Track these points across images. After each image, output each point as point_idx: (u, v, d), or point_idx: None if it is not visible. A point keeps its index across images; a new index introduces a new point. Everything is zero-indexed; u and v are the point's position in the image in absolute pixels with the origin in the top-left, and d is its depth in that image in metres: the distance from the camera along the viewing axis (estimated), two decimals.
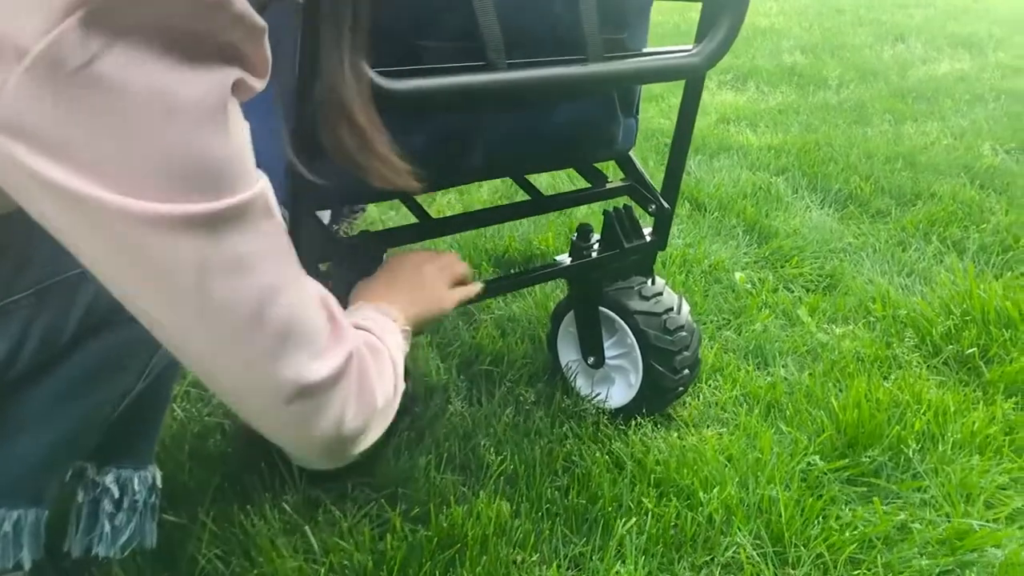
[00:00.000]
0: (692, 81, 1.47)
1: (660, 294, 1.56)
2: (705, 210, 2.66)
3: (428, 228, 1.32)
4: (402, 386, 0.82)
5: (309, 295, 0.66)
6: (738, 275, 2.18)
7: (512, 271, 2.07)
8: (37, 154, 0.49)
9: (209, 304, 0.57)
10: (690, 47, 1.32)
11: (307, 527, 1.19)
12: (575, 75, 1.19)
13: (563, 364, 1.67)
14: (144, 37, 0.50)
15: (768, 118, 3.87)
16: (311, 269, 1.12)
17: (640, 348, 1.53)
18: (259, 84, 0.60)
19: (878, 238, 2.55)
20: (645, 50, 1.38)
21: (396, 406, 0.80)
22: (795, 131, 3.65)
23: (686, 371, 1.56)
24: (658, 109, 3.96)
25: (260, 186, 0.59)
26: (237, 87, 0.57)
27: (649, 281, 1.58)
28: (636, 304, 1.53)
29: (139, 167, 0.51)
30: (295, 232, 1.10)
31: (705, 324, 1.97)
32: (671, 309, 1.54)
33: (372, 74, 0.94)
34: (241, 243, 0.56)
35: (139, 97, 0.50)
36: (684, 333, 1.54)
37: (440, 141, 1.19)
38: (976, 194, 2.92)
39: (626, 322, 1.54)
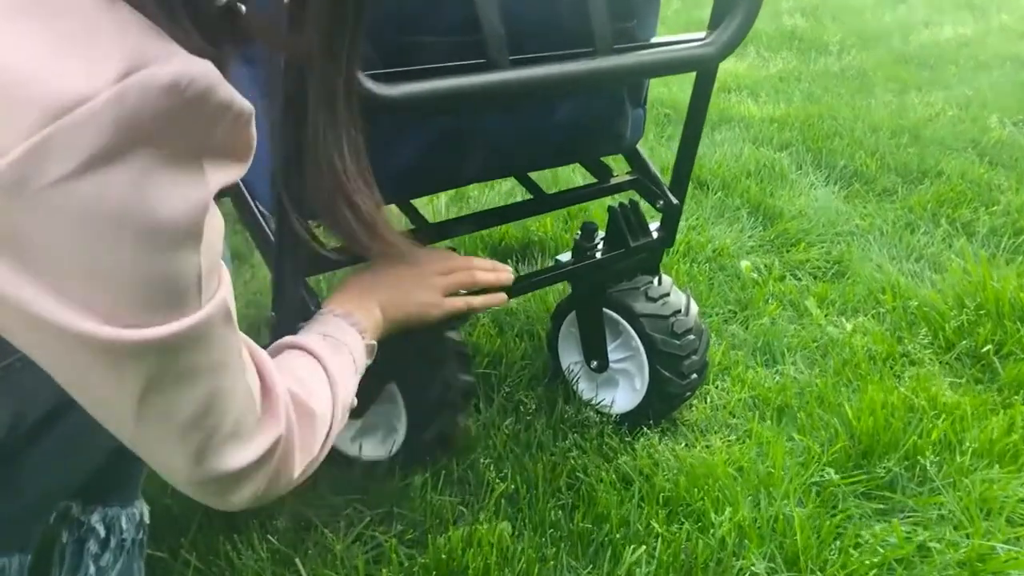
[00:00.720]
0: (704, 71, 1.38)
1: (667, 295, 1.48)
2: (708, 189, 2.57)
3: (425, 233, 1.24)
4: (342, 416, 0.83)
5: (246, 385, 0.64)
6: (744, 263, 2.10)
7: (509, 260, 1.98)
8: None
9: (147, 415, 0.56)
10: (702, 35, 1.23)
11: (298, 559, 1.12)
12: (583, 71, 1.09)
13: (564, 367, 1.59)
14: (121, 152, 0.45)
15: (769, 86, 3.76)
16: (296, 284, 1.03)
17: (647, 353, 1.45)
18: (241, 171, 0.54)
19: (885, 219, 2.47)
20: (655, 39, 1.28)
21: (337, 426, 0.82)
22: (797, 101, 3.55)
23: (694, 375, 1.49)
24: (663, 82, 3.84)
25: (221, 295, 0.55)
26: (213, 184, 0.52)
27: (656, 280, 1.50)
28: (642, 306, 1.45)
29: (100, 286, 0.48)
30: (280, 245, 1.02)
31: (711, 317, 1.89)
32: (679, 311, 1.46)
33: (363, 78, 0.85)
34: (193, 358, 0.55)
35: (111, 217, 0.46)
36: (692, 336, 1.46)
37: (438, 145, 1.10)
38: (984, 171, 2.84)
39: (632, 325, 1.46)
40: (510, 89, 1.05)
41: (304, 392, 0.76)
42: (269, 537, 1.14)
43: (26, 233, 0.45)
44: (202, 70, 0.47)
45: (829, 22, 5.25)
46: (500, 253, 2.03)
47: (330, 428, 0.80)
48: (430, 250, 1.13)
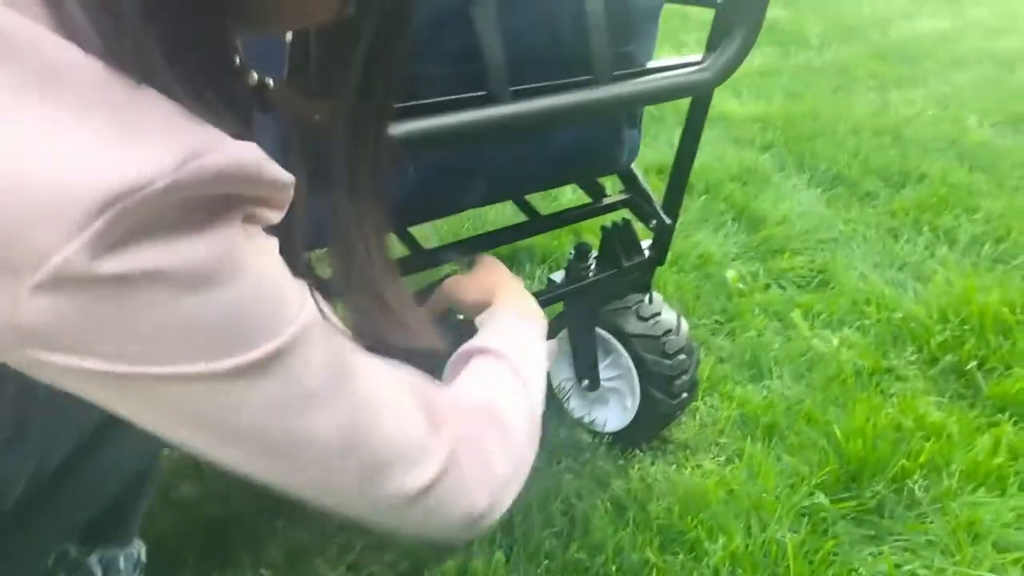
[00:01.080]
0: (700, 95, 1.37)
1: (658, 314, 1.47)
2: (693, 191, 2.56)
3: (420, 260, 1.22)
4: (537, 413, 0.79)
5: (395, 399, 0.61)
6: (730, 273, 2.11)
7: None
8: (65, 354, 0.45)
9: (289, 446, 0.54)
10: (699, 58, 1.22)
11: None
12: (583, 102, 1.08)
13: (555, 384, 1.58)
14: (159, 231, 0.44)
15: (750, 82, 3.76)
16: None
17: (638, 374, 1.45)
18: (276, 217, 0.52)
19: (868, 225, 2.48)
20: (651, 64, 1.26)
21: (535, 442, 0.77)
22: (779, 99, 3.55)
23: (684, 395, 1.48)
24: None
25: (303, 318, 0.52)
26: (247, 219, 0.50)
27: (647, 299, 1.49)
28: (633, 326, 1.44)
29: (164, 346, 0.47)
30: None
31: (698, 328, 1.89)
32: (670, 331, 1.46)
33: None
34: (295, 381, 0.52)
35: (151, 288, 0.45)
36: (683, 356, 1.46)
37: (436, 175, 1.08)
38: (965, 175, 2.86)
39: (623, 345, 1.46)
40: (511, 123, 1.03)
41: (488, 401, 0.74)
42: (263, 572, 1.13)
43: (82, 326, 0.44)
44: (251, 154, 0.47)
45: (809, 13, 5.25)
46: None
47: (530, 420, 0.77)
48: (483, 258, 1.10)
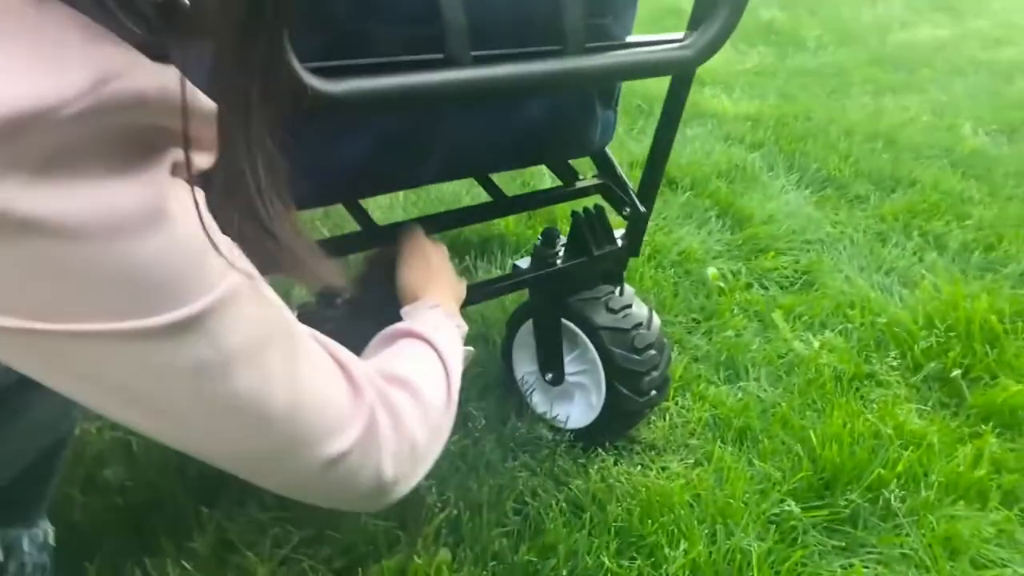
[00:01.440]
0: (680, 76, 1.29)
1: (629, 307, 1.39)
2: (677, 188, 2.49)
3: (373, 237, 1.14)
4: (455, 397, 0.80)
5: (320, 366, 0.60)
6: (711, 270, 2.03)
7: (468, 257, 1.89)
8: None
9: (206, 412, 0.52)
10: (680, 36, 1.14)
11: None
12: (551, 72, 0.99)
13: (518, 377, 1.51)
14: (65, 161, 0.41)
15: (744, 81, 3.69)
16: None
17: (604, 368, 1.37)
18: (205, 161, 0.50)
19: (856, 228, 2.41)
20: (630, 39, 1.18)
21: (448, 427, 0.78)
22: (772, 98, 3.48)
23: (654, 393, 1.41)
24: None
25: (230, 279, 0.50)
26: (177, 169, 0.48)
27: (617, 291, 1.42)
28: (602, 318, 1.37)
29: (82, 299, 0.45)
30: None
31: (673, 326, 1.82)
32: (640, 324, 1.38)
33: (302, 72, 0.75)
34: (217, 345, 0.50)
35: (63, 228, 0.42)
36: (653, 351, 1.38)
37: (387, 144, 1.01)
38: (958, 182, 2.79)
39: (590, 338, 1.38)
40: (470, 89, 0.95)
41: (409, 373, 0.73)
42: (184, 562, 1.04)
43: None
44: (173, 78, 0.45)
45: (807, 16, 5.19)
46: (457, 249, 1.93)
47: (448, 397, 0.78)
48: (429, 239, 1.08)
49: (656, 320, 1.41)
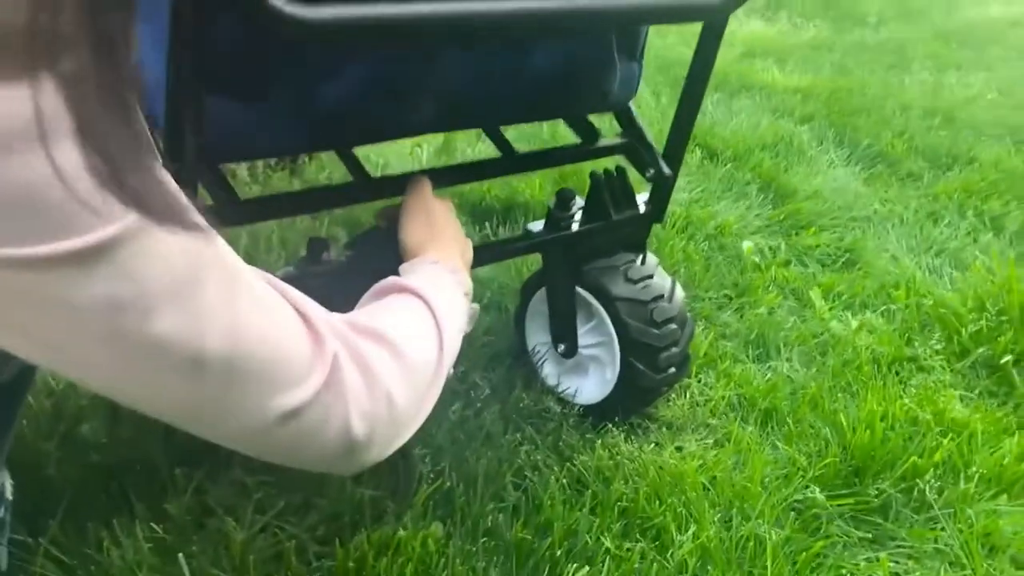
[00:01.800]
0: (711, 25, 1.18)
1: (649, 277, 1.30)
2: (717, 160, 2.38)
3: (364, 189, 1.07)
4: (448, 358, 0.74)
5: (271, 308, 0.56)
6: (746, 244, 1.93)
7: (488, 225, 1.81)
8: None
9: (130, 356, 0.48)
10: None
11: (181, 554, 0.97)
12: (562, 10, 0.91)
13: (530, 347, 1.43)
14: None
15: (798, 55, 3.54)
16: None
17: (620, 342, 1.28)
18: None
19: (907, 207, 2.28)
20: None
21: (436, 390, 0.72)
22: (826, 72, 3.33)
23: (672, 370, 1.32)
24: (679, 36, 3.61)
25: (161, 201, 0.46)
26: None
27: (639, 260, 1.32)
28: (619, 288, 1.28)
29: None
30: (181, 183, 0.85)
31: (702, 301, 1.72)
32: (661, 296, 1.29)
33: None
34: (139, 277, 0.46)
35: None
36: (674, 326, 1.29)
37: (374, 87, 0.93)
38: (1020, 163, 2.63)
39: (605, 308, 1.29)
40: (465, 24, 0.87)
41: (388, 327, 0.67)
42: (153, 524, 0.99)
43: None
44: None
45: None
46: (479, 215, 1.85)
47: (432, 373, 0.71)
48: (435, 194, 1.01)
49: (679, 293, 1.32)
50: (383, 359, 0.64)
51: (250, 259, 1.40)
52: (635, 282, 1.28)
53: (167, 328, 0.48)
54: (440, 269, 0.84)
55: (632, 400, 1.34)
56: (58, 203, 0.41)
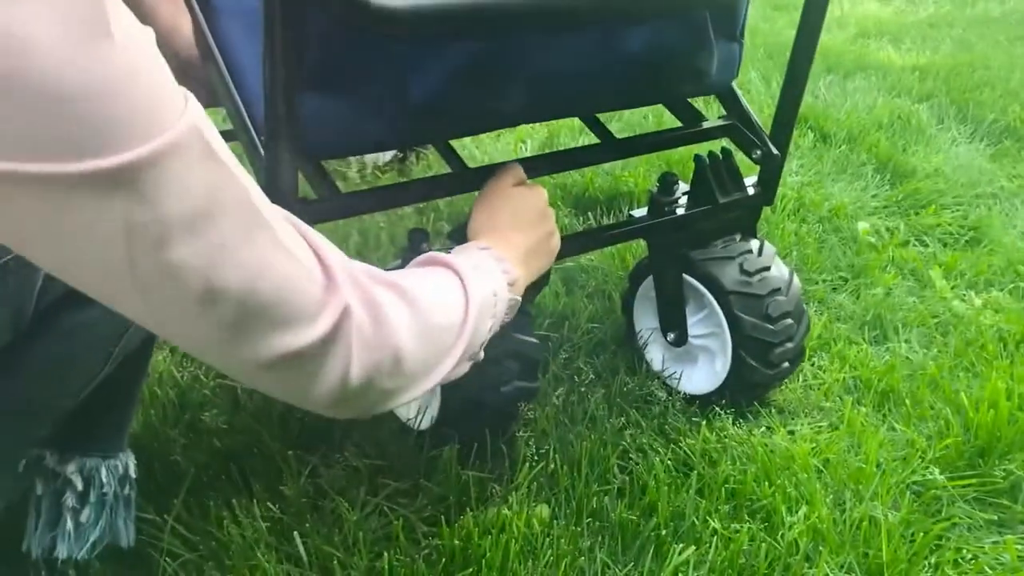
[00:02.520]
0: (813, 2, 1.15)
1: (767, 269, 1.27)
2: (831, 142, 2.31)
3: (462, 179, 1.09)
4: (472, 325, 0.72)
5: (288, 246, 0.55)
6: (861, 225, 1.87)
7: (592, 215, 1.81)
8: None
9: (149, 279, 0.48)
10: None
11: (296, 533, 1.01)
12: None
13: (638, 330, 1.41)
14: None
15: (916, 33, 3.40)
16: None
17: (732, 336, 1.26)
18: None
19: None
20: None
21: (458, 351, 0.71)
22: (946, 49, 3.19)
23: (785, 364, 1.29)
24: (788, 19, 3.52)
25: (182, 127, 0.46)
26: None
27: (756, 250, 1.29)
28: (733, 281, 1.24)
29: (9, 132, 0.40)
30: (272, 184, 0.89)
31: (816, 284, 1.68)
32: (778, 291, 1.25)
33: None
34: (161, 202, 0.45)
35: None
36: (790, 321, 1.26)
37: (464, 77, 0.94)
38: None
39: (718, 301, 1.26)
40: (555, 10, 0.89)
41: (409, 284, 0.67)
42: (270, 504, 1.04)
43: None
44: None
45: None
46: (584, 205, 1.86)
47: (451, 345, 0.71)
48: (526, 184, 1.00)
49: (796, 285, 1.29)
50: (398, 309, 0.64)
51: (360, 256, 1.46)
52: (751, 274, 1.25)
53: (185, 258, 0.48)
54: (487, 255, 0.83)
55: (742, 393, 1.31)
56: (113, 111, 0.42)
